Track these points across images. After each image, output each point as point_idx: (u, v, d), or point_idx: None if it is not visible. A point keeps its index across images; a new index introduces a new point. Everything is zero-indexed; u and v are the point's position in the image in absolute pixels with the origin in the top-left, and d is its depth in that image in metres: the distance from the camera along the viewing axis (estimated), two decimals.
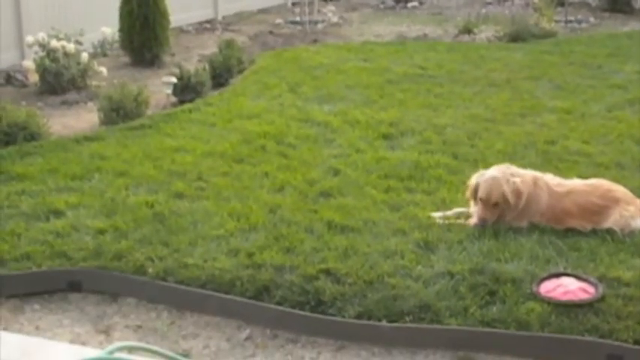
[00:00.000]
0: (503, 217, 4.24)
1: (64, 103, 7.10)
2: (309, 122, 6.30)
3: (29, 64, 7.47)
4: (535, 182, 4.29)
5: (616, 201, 4.21)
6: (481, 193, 4.24)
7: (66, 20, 8.40)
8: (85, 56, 7.49)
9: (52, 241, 4.14)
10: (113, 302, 3.84)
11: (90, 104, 7.01)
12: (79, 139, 5.85)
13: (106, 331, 3.63)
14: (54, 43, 7.36)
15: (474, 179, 4.33)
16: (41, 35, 7.46)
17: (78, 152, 5.58)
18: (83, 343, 3.49)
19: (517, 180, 4.24)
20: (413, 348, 3.43)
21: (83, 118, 6.64)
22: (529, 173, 4.37)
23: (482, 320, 3.41)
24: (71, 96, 7.24)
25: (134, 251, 4.03)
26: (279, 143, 5.77)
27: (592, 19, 11.51)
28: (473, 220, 4.28)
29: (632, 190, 4.43)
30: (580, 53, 9.00)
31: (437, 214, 4.40)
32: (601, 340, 3.28)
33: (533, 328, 3.37)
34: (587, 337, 3.30)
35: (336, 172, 5.15)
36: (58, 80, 7.31)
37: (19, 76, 7.72)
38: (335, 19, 11.62)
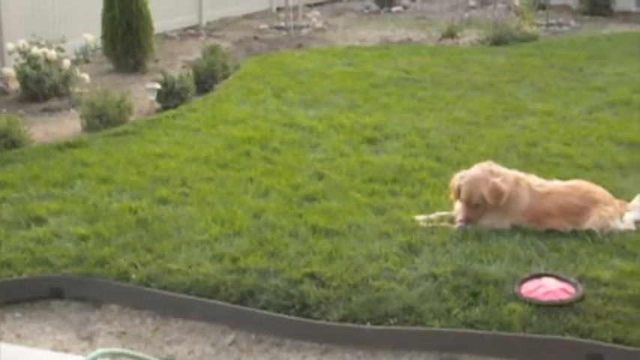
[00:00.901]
0: (486, 215, 4.28)
1: (45, 110, 7.06)
2: (294, 127, 6.31)
3: (10, 71, 7.42)
4: (517, 182, 4.33)
5: (595, 202, 4.25)
6: (462, 195, 4.28)
7: (47, 27, 8.35)
8: (67, 63, 7.45)
9: (34, 248, 4.12)
10: (96, 309, 3.82)
11: (72, 111, 6.98)
12: (60, 146, 5.83)
13: (89, 338, 3.61)
14: (35, 50, 7.32)
15: (456, 180, 4.37)
16: (22, 42, 7.41)
17: (60, 159, 5.55)
18: (66, 351, 3.48)
19: (497, 180, 4.28)
20: (397, 350, 3.44)
21: (65, 125, 6.61)
22: (512, 173, 4.41)
23: (465, 322, 3.44)
24: (53, 103, 7.20)
25: (117, 257, 4.01)
26: (264, 148, 5.78)
27: (573, 22, 11.65)
28: (458, 220, 4.32)
29: (611, 192, 4.48)
30: (561, 56, 9.10)
31: (420, 217, 4.43)
32: (581, 340, 3.31)
33: (514, 329, 3.40)
34: (568, 337, 3.33)
35: (321, 177, 5.16)
36: (40, 87, 7.27)
37: (0, 84, 7.67)
38: (319, 24, 11.66)
